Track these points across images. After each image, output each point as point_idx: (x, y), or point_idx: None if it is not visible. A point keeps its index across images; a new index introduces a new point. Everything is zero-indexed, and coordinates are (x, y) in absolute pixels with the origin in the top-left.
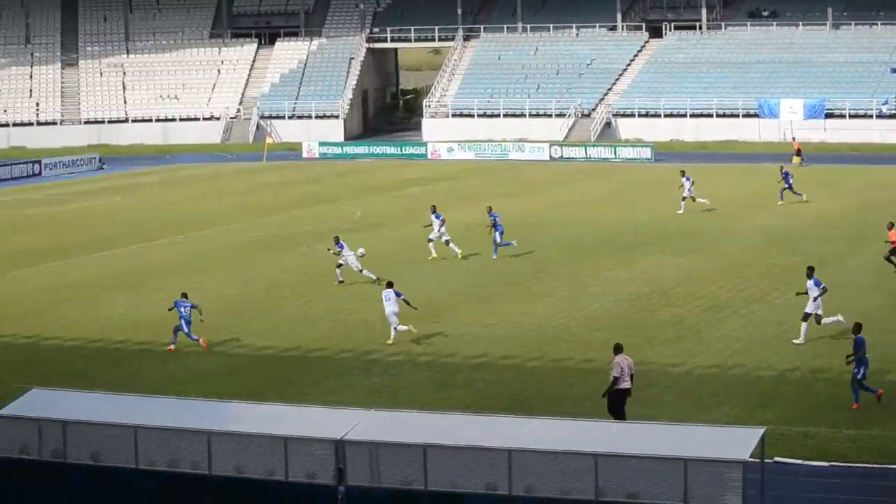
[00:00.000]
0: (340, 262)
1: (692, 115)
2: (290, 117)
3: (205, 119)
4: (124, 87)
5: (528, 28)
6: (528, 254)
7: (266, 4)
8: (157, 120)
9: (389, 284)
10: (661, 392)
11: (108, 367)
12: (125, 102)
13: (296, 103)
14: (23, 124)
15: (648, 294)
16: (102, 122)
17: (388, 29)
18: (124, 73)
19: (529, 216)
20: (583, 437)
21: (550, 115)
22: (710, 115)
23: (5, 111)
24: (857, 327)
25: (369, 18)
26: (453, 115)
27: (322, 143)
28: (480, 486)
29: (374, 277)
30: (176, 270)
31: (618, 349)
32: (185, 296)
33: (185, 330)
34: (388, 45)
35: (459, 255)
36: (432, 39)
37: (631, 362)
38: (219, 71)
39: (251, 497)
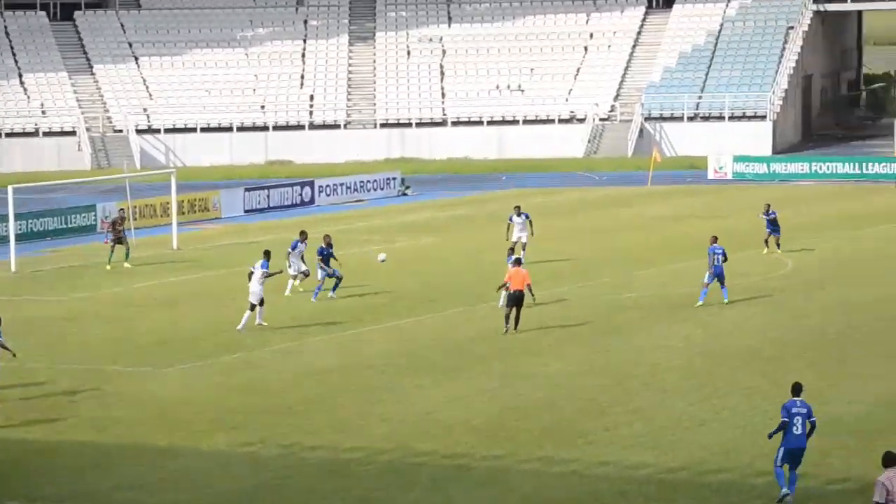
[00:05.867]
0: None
1: None
2: (690, 119)
3: (562, 121)
4: (442, 74)
5: None
6: None
7: None
8: (491, 123)
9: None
10: None
11: (399, 491)
12: (443, 96)
13: (700, 98)
14: (289, 127)
15: None
16: (408, 124)
17: None
18: (443, 53)
19: None
20: None
21: None
22: None
23: (263, 108)
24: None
25: None
26: None
27: (738, 159)
28: None
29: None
30: (513, 349)
31: (888, 461)
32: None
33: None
34: (848, 5)
35: None
36: None
37: None
38: (585, 49)
39: None
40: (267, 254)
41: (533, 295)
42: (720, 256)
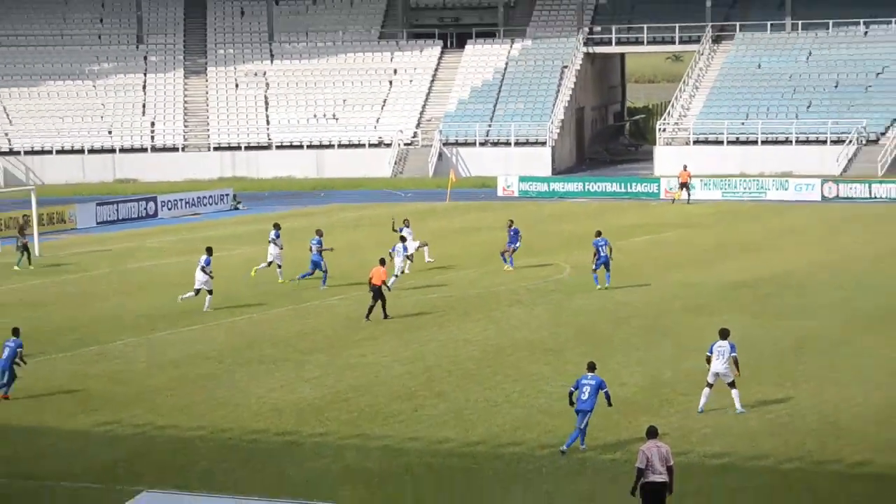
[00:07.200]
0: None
1: None
2: (482, 144)
3: (371, 145)
4: (267, 104)
5: (799, 25)
6: (791, 323)
7: None
8: (310, 146)
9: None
10: None
11: (238, 464)
12: (268, 123)
13: (490, 126)
14: (133, 150)
15: None
16: (237, 147)
17: (614, 28)
18: (267, 85)
19: (793, 275)
20: None
21: (825, 142)
22: None
23: (110, 133)
24: None
25: (588, 14)
26: (696, 142)
27: (524, 179)
28: None
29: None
30: (335, 343)
31: (650, 434)
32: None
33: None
34: (613, 48)
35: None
36: (671, 41)
37: (666, 451)
38: (391, 83)
39: None
40: (209, 250)
41: (389, 287)
42: (605, 247)
